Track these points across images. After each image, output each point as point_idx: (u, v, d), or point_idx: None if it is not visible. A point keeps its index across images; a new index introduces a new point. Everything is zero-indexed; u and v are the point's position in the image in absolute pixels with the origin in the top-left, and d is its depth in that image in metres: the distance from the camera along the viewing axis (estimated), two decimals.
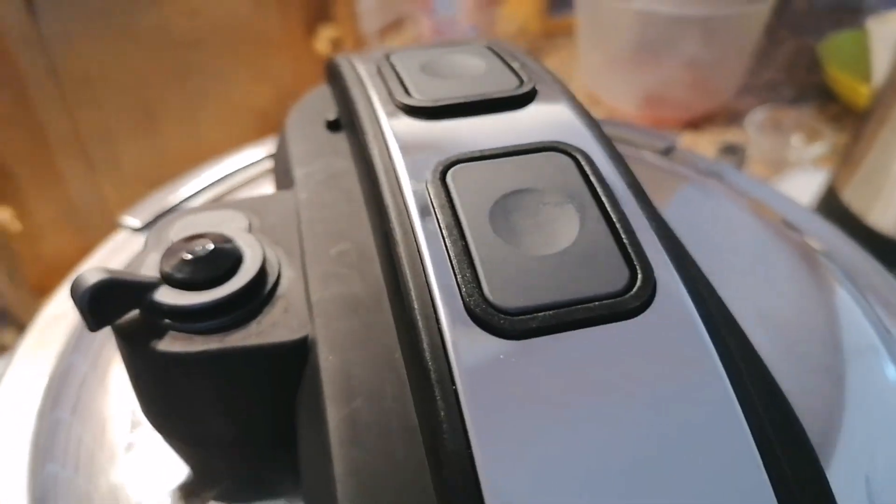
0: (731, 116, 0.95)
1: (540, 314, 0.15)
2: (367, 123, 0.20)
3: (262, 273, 0.19)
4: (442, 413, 0.14)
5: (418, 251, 0.16)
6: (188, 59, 0.72)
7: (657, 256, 0.16)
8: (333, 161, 0.24)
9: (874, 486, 0.21)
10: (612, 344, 0.14)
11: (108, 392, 0.23)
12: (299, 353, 0.18)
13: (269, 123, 0.77)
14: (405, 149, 0.19)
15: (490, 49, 0.23)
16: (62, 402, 0.22)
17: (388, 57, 0.23)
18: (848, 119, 0.89)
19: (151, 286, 0.18)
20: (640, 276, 0.15)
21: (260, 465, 0.20)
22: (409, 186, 0.17)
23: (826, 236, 0.31)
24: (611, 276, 0.15)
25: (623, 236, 0.16)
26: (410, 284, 0.15)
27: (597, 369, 0.14)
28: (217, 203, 0.25)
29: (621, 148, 0.35)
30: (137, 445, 0.21)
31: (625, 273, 0.15)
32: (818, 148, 0.83)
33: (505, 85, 0.21)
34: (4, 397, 0.23)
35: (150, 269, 0.19)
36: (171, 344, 0.18)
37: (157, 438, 0.21)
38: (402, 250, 0.16)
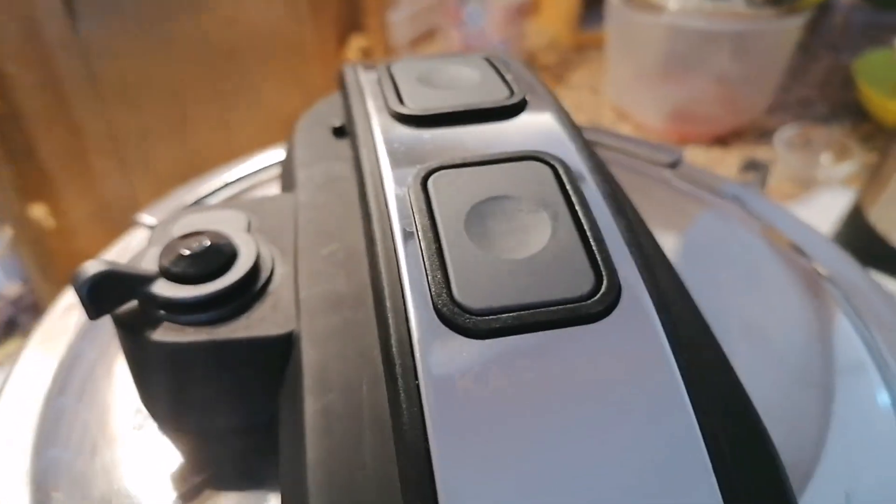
0: (760, 133, 0.94)
1: (504, 315, 0.15)
2: (361, 129, 0.21)
3: (254, 270, 0.20)
4: (403, 405, 0.14)
5: (395, 252, 0.17)
6: (223, 65, 0.74)
7: (624, 264, 0.16)
8: (334, 165, 0.24)
9: (854, 502, 0.21)
10: (572, 346, 0.15)
11: (113, 381, 0.24)
12: (284, 347, 0.19)
13: None
14: (392, 154, 0.19)
15: (487, 61, 0.24)
16: (68, 389, 0.24)
17: (389, 67, 0.24)
18: (880, 138, 0.87)
19: (149, 279, 0.19)
20: (605, 282, 0.16)
21: (249, 454, 0.21)
22: (392, 190, 0.18)
23: (832, 259, 0.31)
24: (576, 281, 0.16)
25: (592, 243, 0.16)
26: (385, 283, 0.16)
27: (554, 370, 0.15)
28: (221, 203, 0.26)
29: (626, 161, 0.35)
30: (138, 434, 0.22)
31: (590, 279, 0.16)
32: (848, 167, 0.82)
33: (495, 96, 0.21)
34: (15, 382, 0.24)
35: (149, 263, 0.20)
36: (164, 334, 0.19)
37: (154, 427, 0.22)
38: (379, 250, 0.17)
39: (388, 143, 0.20)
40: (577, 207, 0.17)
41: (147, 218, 0.31)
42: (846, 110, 0.95)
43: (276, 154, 0.37)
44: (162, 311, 0.19)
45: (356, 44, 0.95)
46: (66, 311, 0.27)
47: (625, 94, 1.04)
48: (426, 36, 1.14)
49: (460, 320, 0.15)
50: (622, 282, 0.16)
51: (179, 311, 0.19)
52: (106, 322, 0.19)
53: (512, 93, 0.22)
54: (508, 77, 0.23)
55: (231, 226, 0.22)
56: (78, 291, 0.18)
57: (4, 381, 0.24)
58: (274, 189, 0.33)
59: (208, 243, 0.20)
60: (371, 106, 0.22)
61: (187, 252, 0.20)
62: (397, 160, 0.19)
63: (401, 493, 0.14)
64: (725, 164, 0.89)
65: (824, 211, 0.76)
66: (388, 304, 0.16)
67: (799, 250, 0.31)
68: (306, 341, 0.18)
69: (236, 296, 0.19)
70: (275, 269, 0.21)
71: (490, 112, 0.21)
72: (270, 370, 0.19)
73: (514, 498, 0.13)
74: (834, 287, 0.28)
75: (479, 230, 0.17)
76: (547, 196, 0.18)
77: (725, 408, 0.15)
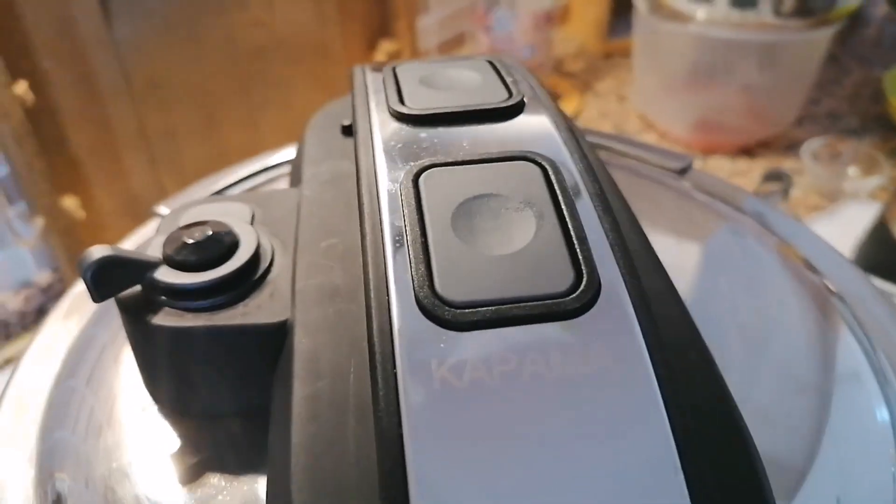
0: (787, 144, 0.93)
1: (483, 309, 0.16)
2: (361, 127, 0.21)
3: (253, 260, 0.21)
4: (381, 392, 0.15)
5: (382, 245, 0.17)
6: (252, 67, 0.76)
7: (606, 263, 0.17)
8: (340, 163, 0.25)
9: None
10: (547, 341, 0.15)
11: (122, 366, 0.25)
12: (279, 335, 0.19)
13: None
14: (388, 152, 0.20)
15: (490, 64, 0.24)
16: (78, 372, 0.25)
17: (394, 68, 0.25)
18: None
19: (152, 265, 0.20)
20: (584, 279, 0.16)
21: (246, 439, 0.22)
22: (385, 186, 0.19)
23: (842, 274, 0.31)
24: (557, 278, 0.16)
25: (575, 242, 0.17)
26: (371, 274, 0.17)
27: (528, 364, 0.15)
28: (229, 196, 0.27)
29: (634, 166, 0.35)
30: (141, 418, 0.23)
31: (570, 276, 0.16)
32: (875, 180, 0.81)
33: (494, 98, 0.22)
34: (27, 363, 0.25)
35: (155, 251, 0.21)
36: (164, 319, 0.20)
37: (156, 410, 0.23)
38: (368, 243, 0.17)
39: (385, 140, 0.20)
40: (563, 207, 0.18)
41: (164, 209, 0.32)
42: (876, 123, 0.93)
43: (293, 152, 0.37)
44: (163, 297, 0.20)
45: (385, 48, 0.96)
46: (82, 296, 0.28)
47: (651, 102, 1.04)
48: (455, 41, 1.15)
49: (440, 312, 0.16)
50: (602, 280, 0.16)
51: (180, 297, 0.20)
52: (98, 303, 0.20)
53: (510, 95, 0.22)
54: (509, 80, 0.23)
55: (235, 217, 0.22)
56: (83, 274, 0.19)
57: (18, 362, 0.25)
58: (286, 185, 0.34)
59: (210, 233, 0.21)
60: (373, 105, 0.22)
61: (189, 241, 0.20)
62: (393, 157, 0.20)
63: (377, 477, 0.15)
64: (751, 174, 0.88)
65: (849, 224, 0.75)
66: (372, 294, 0.16)
67: (810, 265, 0.31)
68: (299, 330, 0.19)
69: (235, 284, 0.20)
70: (274, 260, 0.21)
71: (487, 113, 0.21)
72: (266, 357, 0.20)
73: (479, 486, 0.14)
74: (842, 303, 0.28)
75: (466, 226, 0.17)
76: (534, 195, 0.18)
77: (703, 409, 0.16)
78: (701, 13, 0.88)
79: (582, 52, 1.24)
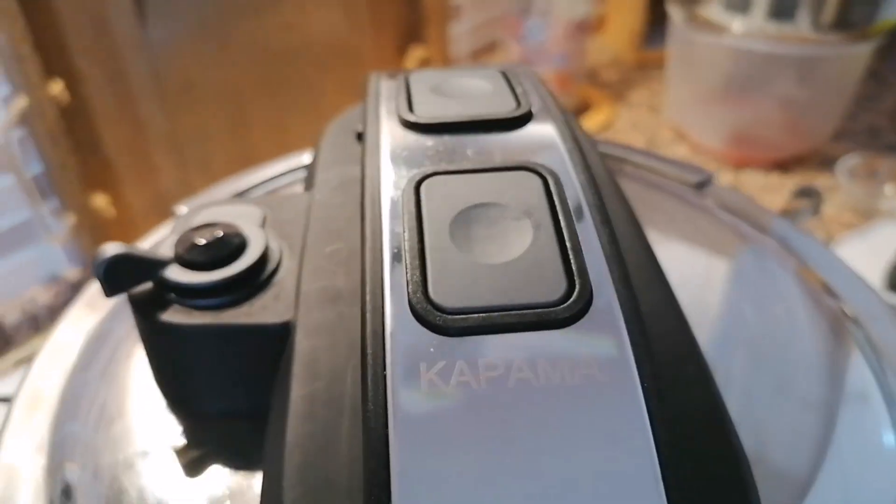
0: (822, 160, 0.92)
1: (474, 315, 0.16)
2: (370, 134, 0.22)
3: (260, 262, 0.21)
4: (370, 392, 0.15)
5: (381, 250, 0.18)
6: (282, 70, 0.77)
7: (599, 275, 0.17)
8: (352, 168, 0.25)
9: None
10: (535, 350, 0.15)
11: (135, 361, 0.26)
12: (281, 336, 0.20)
13: None
14: (394, 159, 0.20)
15: (502, 74, 0.25)
16: (93, 366, 0.25)
17: (407, 77, 0.25)
18: None
19: (162, 263, 0.21)
20: (576, 290, 0.16)
21: (248, 436, 0.22)
22: (387, 193, 0.19)
23: (859, 297, 0.30)
24: (549, 287, 0.16)
25: (570, 253, 0.17)
26: (368, 278, 0.17)
27: (515, 372, 0.15)
28: (242, 198, 0.27)
29: (657, 182, 0.35)
30: (149, 414, 0.24)
31: (563, 286, 0.16)
32: None
33: (502, 108, 0.22)
34: (45, 355, 0.26)
35: (167, 250, 0.21)
36: (173, 315, 0.20)
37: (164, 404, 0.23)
38: (367, 248, 0.18)
39: (391, 147, 0.21)
40: (561, 217, 0.18)
41: (183, 209, 0.32)
42: None
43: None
44: (173, 294, 0.21)
45: (415, 54, 0.97)
46: (100, 292, 0.29)
47: (684, 114, 1.03)
48: (487, 49, 1.16)
49: (432, 317, 0.16)
50: (594, 291, 0.16)
51: (188, 295, 0.20)
52: (110, 297, 0.20)
53: (518, 105, 0.22)
54: (519, 90, 0.23)
55: (246, 220, 0.23)
56: (96, 270, 0.19)
57: (36, 353, 0.26)
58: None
59: (220, 234, 0.21)
60: (383, 112, 0.23)
61: (199, 241, 0.21)
62: (398, 164, 0.20)
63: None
64: (783, 190, 0.87)
65: (884, 243, 0.74)
66: (368, 297, 0.17)
67: (827, 287, 0.30)
68: (301, 331, 0.19)
69: (242, 284, 0.21)
70: (282, 262, 0.22)
71: (494, 123, 0.21)
72: (269, 357, 0.20)
73: (459, 489, 0.14)
74: (857, 327, 0.28)
75: (463, 234, 0.18)
76: (533, 205, 0.18)
77: (692, 422, 0.16)
78: (737, 25, 0.87)
79: (616, 62, 1.24)
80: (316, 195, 0.24)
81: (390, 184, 0.19)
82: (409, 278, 0.17)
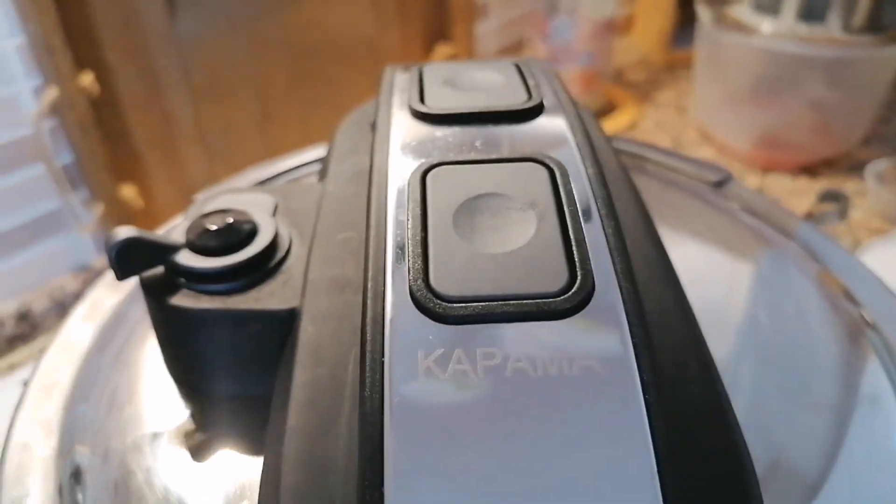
0: (851, 164, 0.90)
1: (474, 304, 0.16)
2: (381, 125, 0.22)
3: (269, 249, 0.21)
4: (368, 378, 0.15)
5: (385, 239, 0.18)
6: (309, 66, 0.78)
7: (602, 267, 0.17)
8: (364, 159, 0.26)
9: None
10: (534, 340, 0.15)
11: (148, 346, 0.26)
12: (287, 322, 0.20)
13: None
14: (403, 149, 0.20)
15: (515, 67, 0.25)
16: (107, 350, 0.26)
17: (421, 69, 0.25)
18: None
19: (174, 248, 0.21)
20: (578, 281, 0.16)
21: (254, 420, 0.22)
22: (394, 182, 0.19)
23: (880, 303, 0.29)
24: (550, 278, 0.16)
25: (573, 244, 0.17)
26: (371, 266, 0.17)
27: (513, 361, 0.15)
28: (256, 187, 0.28)
29: (673, 179, 0.35)
30: (159, 396, 0.24)
31: (564, 277, 0.16)
32: None
33: (513, 100, 0.22)
34: (61, 339, 0.26)
35: (179, 235, 0.22)
36: (182, 299, 0.20)
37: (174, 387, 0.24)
38: (372, 236, 0.18)
39: (401, 137, 0.21)
40: (566, 209, 0.18)
41: (201, 198, 0.33)
42: None
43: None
44: (183, 279, 0.21)
45: (442, 51, 0.97)
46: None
47: (711, 115, 1.01)
48: (514, 47, 1.15)
49: (432, 305, 0.16)
50: (596, 283, 0.16)
51: (198, 279, 0.21)
52: (121, 280, 0.21)
53: (530, 97, 0.22)
54: (531, 83, 0.23)
55: (258, 207, 0.23)
56: (108, 253, 0.20)
57: (53, 336, 0.26)
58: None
59: (231, 221, 0.21)
60: (396, 103, 0.23)
61: (210, 227, 0.21)
62: (407, 154, 0.20)
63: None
64: (809, 194, 0.86)
65: None
66: (370, 285, 0.17)
67: (849, 294, 0.29)
68: (306, 318, 0.19)
69: (251, 270, 0.21)
70: (291, 249, 0.22)
71: (503, 114, 0.21)
72: (275, 342, 0.21)
73: (451, 476, 0.14)
74: (875, 333, 0.27)
75: (467, 224, 0.18)
76: (538, 197, 0.18)
77: (692, 417, 0.15)
78: (766, 26, 0.86)
79: (644, 62, 1.23)
80: (329, 185, 0.25)
81: (398, 173, 0.20)
82: (410, 266, 0.17)
